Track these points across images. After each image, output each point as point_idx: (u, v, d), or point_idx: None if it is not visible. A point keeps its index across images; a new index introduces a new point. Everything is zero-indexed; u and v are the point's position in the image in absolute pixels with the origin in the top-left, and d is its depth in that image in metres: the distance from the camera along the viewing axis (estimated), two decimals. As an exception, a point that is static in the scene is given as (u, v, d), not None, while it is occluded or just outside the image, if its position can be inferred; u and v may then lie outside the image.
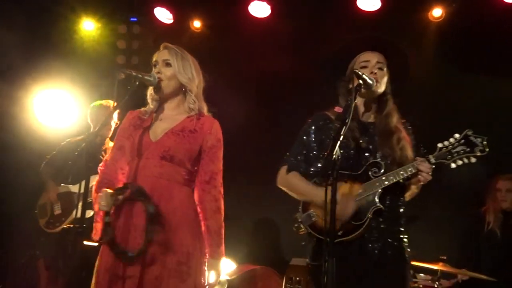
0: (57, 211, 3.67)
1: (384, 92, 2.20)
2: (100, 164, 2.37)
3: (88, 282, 2.12)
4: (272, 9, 4.68)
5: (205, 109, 2.31)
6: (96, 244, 2.15)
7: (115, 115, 3.56)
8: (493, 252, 3.76)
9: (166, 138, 2.17)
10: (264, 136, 4.63)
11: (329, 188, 1.73)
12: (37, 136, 4.48)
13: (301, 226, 2.18)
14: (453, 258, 3.60)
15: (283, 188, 2.28)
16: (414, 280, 3.57)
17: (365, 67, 2.16)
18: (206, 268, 2.16)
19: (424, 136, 2.29)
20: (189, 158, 2.18)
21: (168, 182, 2.12)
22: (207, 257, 2.18)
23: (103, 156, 3.57)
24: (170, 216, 2.09)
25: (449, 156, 2.04)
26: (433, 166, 2.04)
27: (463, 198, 4.09)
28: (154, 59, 2.25)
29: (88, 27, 5.11)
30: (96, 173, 2.24)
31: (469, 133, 2.05)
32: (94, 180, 2.35)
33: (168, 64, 2.21)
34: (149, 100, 2.29)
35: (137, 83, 2.10)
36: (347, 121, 1.83)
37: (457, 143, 2.04)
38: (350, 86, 2.05)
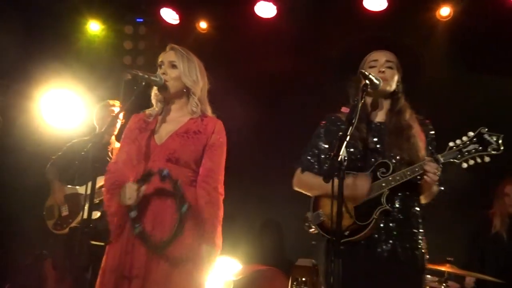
0: (65, 212, 3.68)
1: (395, 91, 2.18)
2: (107, 166, 2.37)
3: (94, 281, 2.12)
4: (278, 9, 4.67)
5: (209, 111, 2.31)
6: (102, 244, 2.15)
7: (121, 115, 3.56)
8: (500, 255, 3.75)
9: (171, 140, 2.17)
10: (272, 136, 4.62)
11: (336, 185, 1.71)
12: (43, 136, 4.50)
13: (311, 225, 2.17)
14: (460, 260, 3.58)
15: (299, 189, 2.27)
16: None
17: (373, 66, 2.16)
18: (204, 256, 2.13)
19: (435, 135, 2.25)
20: (194, 159, 2.18)
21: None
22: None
23: (109, 157, 3.58)
24: None
25: (460, 156, 1.96)
26: (441, 166, 1.98)
27: (470, 199, 4.05)
28: (160, 59, 2.26)
29: (94, 28, 5.13)
30: (103, 174, 2.24)
31: (483, 131, 1.96)
32: (100, 181, 2.35)
33: (173, 66, 2.22)
34: (153, 101, 2.30)
35: (144, 83, 2.11)
36: (353, 121, 1.82)
37: (469, 142, 1.96)
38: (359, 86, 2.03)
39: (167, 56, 2.24)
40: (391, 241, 2.05)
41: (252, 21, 4.74)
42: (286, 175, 2.34)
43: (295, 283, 3.94)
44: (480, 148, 1.95)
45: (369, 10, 4.44)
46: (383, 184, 2.04)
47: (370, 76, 2.00)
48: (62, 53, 4.86)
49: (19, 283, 4.28)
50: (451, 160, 1.98)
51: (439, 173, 1.97)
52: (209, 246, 2.15)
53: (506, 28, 4.10)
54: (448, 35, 4.36)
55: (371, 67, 2.16)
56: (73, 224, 3.62)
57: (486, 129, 1.97)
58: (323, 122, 2.28)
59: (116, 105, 3.76)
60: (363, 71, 2.01)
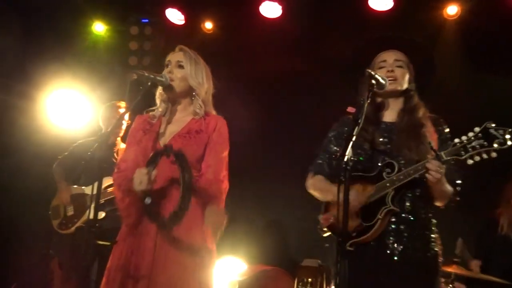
0: (70, 212, 3.70)
1: (407, 89, 2.16)
2: (117, 165, 2.38)
3: (100, 281, 2.13)
4: (283, 9, 4.67)
5: (213, 113, 2.31)
6: (108, 243, 2.15)
7: (127, 116, 3.58)
8: (507, 256, 3.71)
9: (173, 142, 2.17)
10: (276, 138, 4.62)
11: (342, 187, 1.69)
12: (49, 137, 4.52)
13: (323, 227, 2.16)
14: (465, 261, 3.56)
15: (311, 192, 2.25)
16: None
17: (383, 67, 2.15)
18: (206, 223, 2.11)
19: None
20: (197, 158, 2.18)
21: (179, 186, 2.12)
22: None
23: (115, 158, 3.59)
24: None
25: (463, 152, 1.88)
26: (443, 164, 1.91)
27: (475, 198, 4.02)
28: (167, 59, 2.27)
29: (99, 29, 5.14)
30: (109, 174, 2.24)
31: (489, 125, 1.88)
32: (107, 182, 2.36)
33: (180, 66, 2.23)
34: (157, 101, 2.30)
35: (150, 83, 2.11)
36: (359, 121, 1.81)
37: (474, 138, 1.88)
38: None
39: (175, 56, 2.26)
40: (401, 243, 2.02)
41: (257, 21, 4.74)
42: (289, 175, 2.33)
43: (300, 284, 3.94)
44: (486, 143, 1.86)
45: (375, 10, 4.42)
46: (388, 184, 2.01)
47: (376, 75, 1.98)
48: (67, 54, 4.89)
49: (25, 282, 4.30)
50: (454, 156, 1.91)
51: (442, 170, 1.90)
52: (214, 206, 2.11)
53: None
54: (456, 34, 4.32)
55: (380, 67, 2.15)
56: (78, 224, 3.64)
57: (493, 124, 1.88)
58: (335, 124, 2.27)
59: (122, 106, 3.77)
60: (369, 71, 1.99)
